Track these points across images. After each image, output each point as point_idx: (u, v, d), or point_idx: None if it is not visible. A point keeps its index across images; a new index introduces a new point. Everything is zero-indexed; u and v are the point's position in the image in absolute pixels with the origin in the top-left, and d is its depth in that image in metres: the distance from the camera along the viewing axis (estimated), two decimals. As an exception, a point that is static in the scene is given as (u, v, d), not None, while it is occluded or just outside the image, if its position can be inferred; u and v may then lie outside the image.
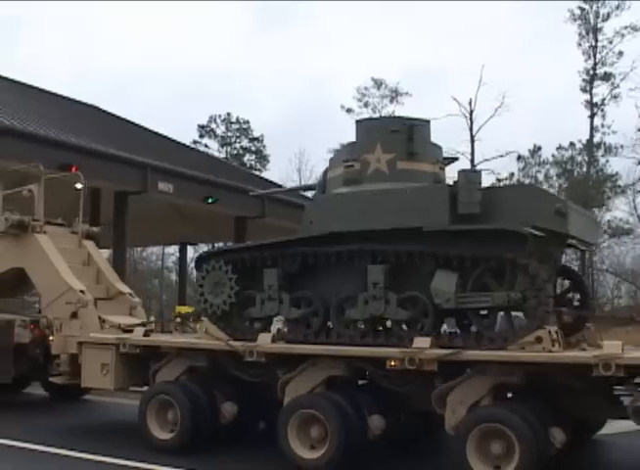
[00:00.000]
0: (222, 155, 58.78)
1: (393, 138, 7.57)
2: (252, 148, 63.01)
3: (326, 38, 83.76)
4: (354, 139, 7.94)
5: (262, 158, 62.94)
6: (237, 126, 62.31)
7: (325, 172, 8.27)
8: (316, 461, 6.78)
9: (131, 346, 8.18)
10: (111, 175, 18.61)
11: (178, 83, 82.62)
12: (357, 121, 8.14)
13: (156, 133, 27.49)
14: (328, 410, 6.76)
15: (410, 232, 6.98)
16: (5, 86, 22.75)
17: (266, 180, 33.03)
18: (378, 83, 52.62)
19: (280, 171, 72.57)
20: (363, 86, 52.58)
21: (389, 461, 7.37)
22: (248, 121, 61.50)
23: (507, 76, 66.80)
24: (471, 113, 45.06)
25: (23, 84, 24.72)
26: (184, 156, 25.42)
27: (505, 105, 43.65)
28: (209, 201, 21.08)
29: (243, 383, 7.79)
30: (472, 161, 46.14)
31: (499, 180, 53.77)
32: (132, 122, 28.10)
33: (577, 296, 7.99)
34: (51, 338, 9.19)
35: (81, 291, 9.53)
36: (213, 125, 61.50)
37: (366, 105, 52.79)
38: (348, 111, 52.85)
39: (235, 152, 61.99)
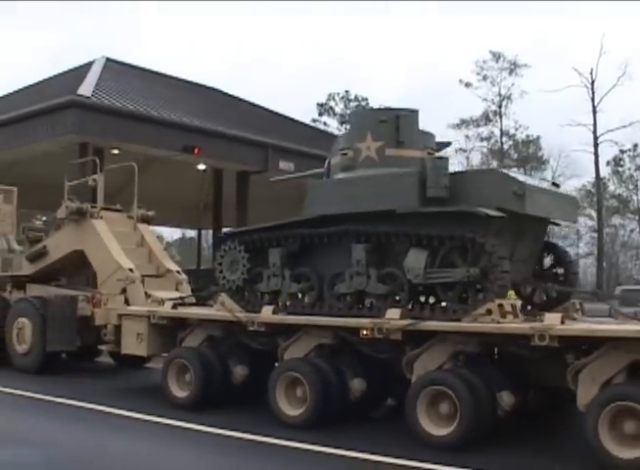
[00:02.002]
0: (341, 132, 60.19)
1: (382, 127, 8.44)
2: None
3: (443, 12, 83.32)
4: (349, 129, 8.88)
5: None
6: (356, 104, 63.60)
7: (329, 160, 9.26)
8: (444, 438, 6.91)
9: (159, 317, 9.53)
10: (233, 156, 20.14)
11: (298, 63, 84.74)
12: (351, 113, 9.09)
13: (276, 113, 28.54)
14: (459, 386, 6.87)
15: (386, 214, 7.87)
16: (130, 73, 24.35)
17: None
18: (496, 56, 52.71)
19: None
20: (482, 59, 52.71)
21: (519, 437, 7.64)
22: (366, 99, 62.76)
23: (630, 44, 64.26)
24: (592, 83, 44.29)
25: (148, 70, 26.31)
26: (304, 134, 26.22)
27: (628, 74, 42.61)
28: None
29: (254, 349, 8.94)
30: (594, 132, 45.34)
31: (622, 152, 52.56)
32: (253, 103, 29.18)
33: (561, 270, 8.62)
34: (95, 310, 10.72)
35: (130, 269, 10.99)
36: (332, 103, 63.11)
37: (485, 78, 53.07)
38: (467, 85, 53.39)
39: None
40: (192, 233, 46.04)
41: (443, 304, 7.83)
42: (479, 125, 55.19)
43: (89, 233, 11.60)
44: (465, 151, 56.34)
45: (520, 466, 6.48)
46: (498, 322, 6.99)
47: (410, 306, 7.81)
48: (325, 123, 61.14)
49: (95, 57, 24.00)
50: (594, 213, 49.46)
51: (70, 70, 24.53)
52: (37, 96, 20.54)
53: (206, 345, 9.21)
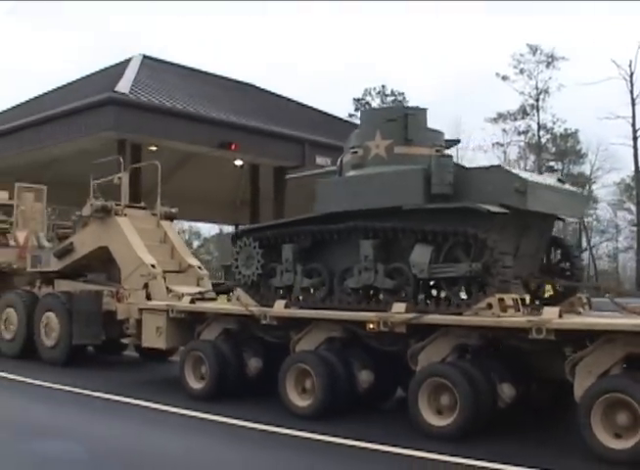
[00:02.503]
0: None
1: (391, 126, 8.70)
2: (408, 120, 64.20)
3: (478, 6, 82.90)
4: (359, 127, 9.16)
5: (417, 129, 64.03)
6: (392, 98, 63.78)
7: (341, 158, 9.55)
8: (444, 428, 7.15)
9: (178, 311, 9.93)
10: (269, 151, 20.45)
11: (334, 58, 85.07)
12: (361, 112, 9.33)
13: (312, 108, 28.70)
14: (458, 379, 7.09)
15: (393, 211, 8.14)
16: (167, 69, 24.72)
17: None
18: (533, 49, 52.38)
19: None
20: (519, 53, 52.43)
21: (522, 429, 7.80)
22: (402, 93, 62.96)
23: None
24: (631, 75, 43.87)
25: (184, 67, 26.70)
26: (341, 129, 26.53)
27: (667, 65, 42.05)
28: None
29: (269, 342, 9.28)
30: (633, 125, 44.88)
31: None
32: (289, 99, 29.31)
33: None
34: (118, 305, 11.16)
35: (152, 265, 11.41)
36: (369, 98, 63.35)
37: (522, 71, 52.85)
38: (504, 78, 53.15)
39: None
40: (229, 229, 46.67)
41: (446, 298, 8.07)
42: (516, 119, 54.84)
43: (113, 230, 12.05)
44: (502, 145, 56.09)
45: (521, 457, 6.59)
46: (498, 316, 7.21)
47: (417, 301, 8.06)
48: (362, 118, 61.27)
49: (132, 54, 24.45)
50: (633, 207, 48.88)
51: (108, 68, 25.03)
52: (75, 94, 21.07)
53: (222, 338, 9.57)
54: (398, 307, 7.85)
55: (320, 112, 28.76)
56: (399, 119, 8.68)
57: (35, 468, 6.20)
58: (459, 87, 73.65)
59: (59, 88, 26.70)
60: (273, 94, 29.42)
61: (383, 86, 63.43)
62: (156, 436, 7.66)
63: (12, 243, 14.74)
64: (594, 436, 6.28)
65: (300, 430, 7.56)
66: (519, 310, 7.43)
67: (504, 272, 7.45)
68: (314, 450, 7.06)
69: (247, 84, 29.26)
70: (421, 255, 7.90)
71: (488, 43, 77.52)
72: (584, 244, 52.10)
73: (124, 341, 11.58)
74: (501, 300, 7.31)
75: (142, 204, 13.17)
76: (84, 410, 8.94)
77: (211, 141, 19.43)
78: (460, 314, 7.47)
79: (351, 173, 8.97)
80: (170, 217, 13.11)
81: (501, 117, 54.86)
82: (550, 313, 6.94)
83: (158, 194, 12.96)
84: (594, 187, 53.71)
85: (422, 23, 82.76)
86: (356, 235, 8.47)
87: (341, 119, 32.47)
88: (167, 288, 11.22)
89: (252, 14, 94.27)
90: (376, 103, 63.73)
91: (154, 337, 10.23)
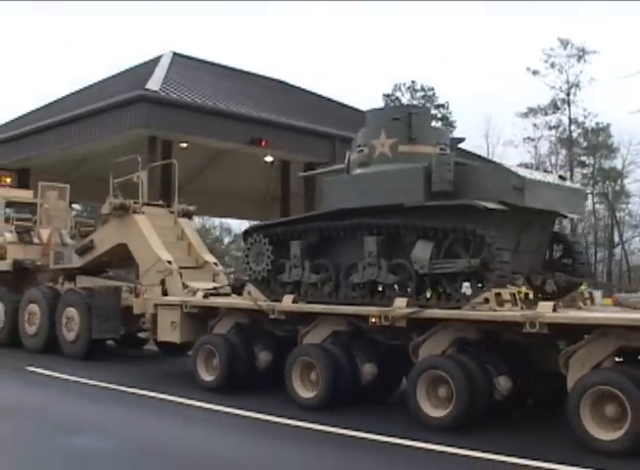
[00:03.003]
0: None
1: (395, 125, 8.99)
2: (438, 115, 64.53)
3: (509, 4, 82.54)
4: (365, 127, 9.46)
5: (449, 124, 64.30)
6: (422, 94, 63.97)
7: (348, 156, 9.84)
8: (442, 419, 7.44)
9: (191, 306, 10.32)
10: (299, 148, 20.76)
11: (361, 53, 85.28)
12: (366, 111, 9.60)
13: (342, 104, 29.02)
14: (455, 371, 7.35)
15: (395, 208, 8.43)
16: (197, 66, 25.17)
17: (453, 147, 33.87)
18: (564, 43, 52.15)
19: (467, 137, 73.00)
20: (549, 47, 52.28)
21: (517, 421, 8.06)
22: (432, 88, 63.30)
23: None
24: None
25: (214, 64, 27.20)
26: None
27: None
28: None
29: (278, 336, 9.61)
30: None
31: None
32: (319, 94, 29.74)
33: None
34: (134, 300, 11.59)
35: (169, 261, 11.81)
36: (398, 94, 63.81)
37: (552, 65, 52.69)
38: (534, 72, 53.05)
39: None
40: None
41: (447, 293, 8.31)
42: (546, 114, 54.68)
43: (131, 228, 12.48)
44: (533, 140, 55.95)
45: (515, 448, 6.78)
46: (494, 310, 7.47)
47: (419, 296, 8.34)
48: (392, 114, 61.51)
49: (162, 52, 24.93)
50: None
51: (139, 66, 25.59)
52: (107, 92, 21.55)
53: (234, 332, 9.94)
54: (400, 302, 8.14)
55: (350, 108, 28.80)
56: (403, 119, 8.97)
57: (70, 463, 6.34)
58: (489, 82, 73.37)
59: (91, 86, 27.32)
60: (303, 90, 29.70)
61: (412, 82, 63.79)
62: (188, 431, 7.72)
63: (36, 240, 15.28)
64: (582, 426, 6.52)
65: (303, 420, 7.88)
66: (516, 305, 7.68)
67: (502, 268, 7.71)
68: (314, 440, 7.37)
69: (276, 81, 29.58)
70: (422, 251, 8.18)
71: (519, 38, 77.18)
72: (617, 239, 51.77)
73: (141, 335, 11.99)
74: (498, 294, 7.57)
75: (160, 202, 13.54)
76: (114, 404, 9.15)
77: (242, 138, 19.70)
78: (459, 309, 7.75)
79: (358, 171, 9.27)
80: (188, 215, 13.49)
81: (532, 111, 54.76)
82: (544, 308, 7.19)
83: (175, 192, 13.33)
84: (626, 182, 53.35)
85: (452, 19, 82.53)
86: (361, 232, 8.78)
87: None
88: (184, 284, 11.61)
89: (280, 13, 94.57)
90: (406, 99, 63.96)
91: (168, 331, 10.63)
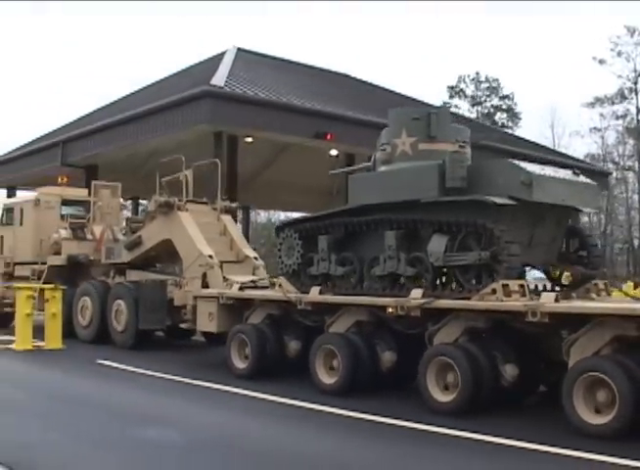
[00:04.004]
0: (473, 115, 60.99)
1: (415, 124, 9.56)
2: (503, 106, 64.46)
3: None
4: (388, 126, 10.06)
5: (514, 115, 64.27)
6: (486, 85, 63.98)
7: (374, 154, 10.46)
8: (449, 404, 8.04)
9: (227, 298, 11.12)
10: (364, 141, 20.95)
11: (424, 45, 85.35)
12: (389, 111, 10.17)
13: (406, 97, 29.42)
14: (461, 358, 7.95)
15: (413, 204, 9.01)
16: (261, 61, 25.89)
17: (519, 138, 33.92)
18: (631, 31, 51.43)
19: (532, 129, 72.73)
20: (616, 35, 51.63)
21: (524, 407, 8.61)
22: (497, 79, 63.43)
23: None
24: None
25: (278, 58, 27.92)
26: None
27: None
28: None
29: (307, 326, 10.30)
30: None
31: None
32: (383, 87, 30.17)
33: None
34: (175, 292, 12.45)
35: (210, 256, 12.65)
36: (463, 85, 64.19)
37: (619, 54, 51.96)
38: (601, 62, 52.49)
39: (486, 111, 63.95)
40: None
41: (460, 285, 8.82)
42: (613, 103, 53.84)
43: (175, 224, 13.37)
44: (599, 130, 55.19)
45: (522, 432, 7.24)
46: (501, 301, 8.00)
47: (435, 287, 8.91)
48: (456, 106, 62.01)
49: (226, 48, 25.70)
50: None
51: (203, 62, 26.46)
52: (172, 88, 22.32)
53: (266, 322, 10.68)
54: (416, 293, 8.73)
55: (414, 100, 29.10)
56: (423, 118, 9.53)
57: (142, 453, 6.57)
58: (555, 72, 72.54)
59: (155, 83, 28.34)
60: (367, 83, 30.10)
61: (477, 73, 63.90)
62: (251, 422, 8.05)
63: (89, 237, 16.38)
64: (575, 411, 7.01)
65: (324, 404, 8.54)
66: (524, 296, 8.18)
67: (510, 260, 8.22)
68: (334, 423, 7.96)
69: (340, 74, 30.10)
70: (437, 244, 8.75)
71: (585, 26, 75.99)
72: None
73: (182, 326, 12.85)
74: (505, 285, 8.08)
75: (204, 199, 14.38)
76: (176, 396, 9.51)
77: (307, 131, 20.09)
78: (468, 299, 8.30)
79: (382, 169, 9.89)
80: (230, 211, 14.31)
81: (598, 101, 54.04)
82: (546, 298, 7.68)
83: (218, 189, 14.14)
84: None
85: (517, 9, 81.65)
86: (382, 226, 9.39)
87: (435, 108, 32.60)
88: (224, 277, 12.43)
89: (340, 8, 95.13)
90: (470, 90, 64.00)
91: (207, 322, 11.45)
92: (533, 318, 7.55)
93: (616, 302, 8.16)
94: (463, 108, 62.04)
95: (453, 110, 55.33)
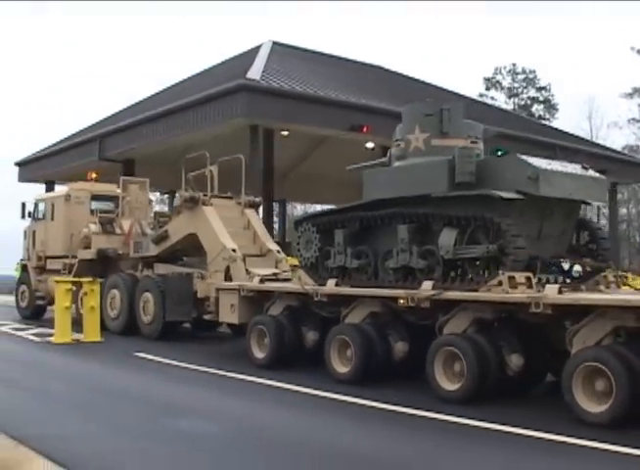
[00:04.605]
0: (509, 106, 60.88)
1: (428, 120, 9.89)
2: (540, 98, 64.16)
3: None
4: (402, 122, 10.40)
5: (551, 107, 63.95)
6: (523, 76, 63.76)
7: (390, 150, 10.80)
8: (456, 392, 8.40)
9: (247, 290, 11.57)
10: None
11: (458, 37, 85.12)
12: (403, 108, 10.50)
13: (441, 88, 29.57)
14: (466, 348, 8.30)
15: (424, 198, 9.36)
16: (296, 55, 26.16)
17: (556, 129, 33.81)
18: (671, 19, 50.91)
19: (570, 120, 72.21)
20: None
21: (529, 396, 8.92)
22: (534, 71, 63.25)
23: None
24: None
25: (313, 51, 28.22)
26: (471, 109, 26.09)
27: None
28: (499, 153, 22.12)
29: (324, 317, 10.69)
30: None
31: None
32: (418, 79, 30.34)
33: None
34: (198, 285, 12.93)
35: (233, 249, 13.12)
36: (499, 77, 64.03)
37: (659, 44, 51.46)
38: (639, 52, 51.94)
39: (522, 103, 63.77)
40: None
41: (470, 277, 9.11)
42: (652, 94, 53.41)
43: (200, 218, 13.86)
44: (638, 121, 54.72)
45: (524, 420, 7.52)
46: (507, 292, 8.30)
47: (445, 279, 9.24)
48: (492, 98, 61.90)
49: (262, 41, 25.99)
50: None
51: (239, 55, 26.83)
52: (208, 81, 22.68)
53: (285, 314, 11.11)
54: (426, 285, 9.08)
55: (449, 91, 29.24)
56: (435, 114, 9.85)
57: (178, 443, 6.71)
58: (593, 63, 71.85)
59: (191, 78, 28.75)
60: (401, 75, 30.24)
61: (513, 65, 63.62)
62: (278, 411, 8.33)
63: (118, 231, 16.98)
64: (574, 400, 7.31)
65: (337, 393, 8.94)
66: (531, 287, 8.47)
67: (516, 253, 8.51)
68: (346, 411, 8.33)
69: (375, 66, 30.23)
70: (447, 238, 9.08)
71: (623, 16, 75.10)
72: None
73: (205, 317, 13.33)
74: (512, 277, 8.38)
75: (228, 193, 14.84)
76: (207, 387, 9.80)
77: (343, 124, 20.24)
78: (476, 291, 8.62)
79: (396, 164, 10.24)
80: (254, 206, 14.76)
81: (637, 91, 53.66)
82: (550, 290, 7.97)
83: (242, 185, 14.58)
84: None
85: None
86: (395, 220, 9.74)
87: (471, 99, 32.51)
88: (247, 270, 12.88)
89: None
90: (507, 82, 63.74)
91: (228, 313, 11.91)
92: (537, 310, 7.84)
93: (620, 294, 8.40)
94: (499, 100, 62.03)
95: (489, 102, 55.29)
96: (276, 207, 33.23)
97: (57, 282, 14.70)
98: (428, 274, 9.40)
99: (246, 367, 10.88)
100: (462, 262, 9.16)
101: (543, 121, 53.14)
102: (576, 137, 32.62)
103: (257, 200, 14.93)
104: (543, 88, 63.57)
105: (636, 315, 7.28)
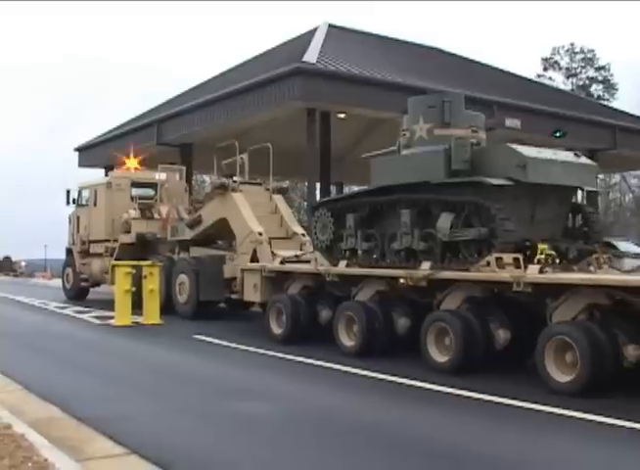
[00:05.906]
0: (567, 87, 60.68)
1: (431, 111, 10.66)
2: (599, 77, 63.64)
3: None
4: (408, 113, 11.19)
5: (610, 87, 63.33)
6: (581, 56, 63.30)
7: (399, 140, 11.60)
8: (445, 364, 9.21)
9: (268, 271, 12.55)
10: None
11: (516, 17, 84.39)
12: (408, 100, 11.27)
13: (498, 69, 29.69)
14: (455, 323, 9.10)
15: (424, 185, 10.16)
16: (352, 37, 26.48)
17: (615, 110, 33.55)
18: None
19: (630, 99, 71.06)
20: None
21: (516, 369, 9.22)
22: (593, 50, 62.91)
23: None
24: None
25: (368, 34, 28.43)
26: (529, 90, 26.56)
27: None
28: (558, 135, 22.30)
29: (337, 296, 11.60)
30: None
31: None
32: (475, 61, 30.46)
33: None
34: (223, 266, 13.97)
35: (259, 233, 14.11)
36: (557, 57, 63.86)
37: None
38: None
39: (581, 83, 63.36)
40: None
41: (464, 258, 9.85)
42: None
43: (230, 204, 14.90)
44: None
45: (508, 391, 8.18)
46: (494, 272, 9.08)
47: (443, 260, 10.04)
48: (550, 78, 61.50)
49: (317, 24, 26.35)
50: None
51: (295, 39, 27.27)
52: (265, 65, 23.06)
53: (302, 293, 12.07)
54: (425, 265, 9.91)
55: (507, 73, 29.39)
56: (437, 106, 10.61)
57: (239, 425, 6.88)
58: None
59: (249, 60, 29.17)
60: (459, 57, 30.30)
61: (571, 44, 63.03)
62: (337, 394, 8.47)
63: (156, 216, 18.14)
64: (546, 370, 8.07)
65: (345, 365, 9.80)
66: (519, 268, 9.22)
67: (505, 235, 9.27)
68: (351, 381, 9.19)
69: (432, 48, 30.33)
70: (444, 221, 9.87)
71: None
72: None
73: (232, 296, 14.35)
74: (499, 258, 9.14)
75: (257, 180, 15.82)
76: (262, 368, 10.03)
77: (399, 107, 20.00)
78: (468, 271, 9.41)
79: (403, 153, 11.05)
80: (281, 191, 15.72)
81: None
82: (532, 270, 8.73)
83: (270, 171, 15.53)
84: None
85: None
86: (399, 205, 10.58)
87: (529, 80, 32.63)
88: (272, 252, 13.86)
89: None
90: (565, 62, 63.23)
91: (252, 292, 12.93)
92: (518, 288, 8.61)
93: (606, 274, 9.01)
94: (557, 80, 61.65)
95: (547, 82, 54.98)
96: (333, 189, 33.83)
97: (116, 266, 15.04)
98: (428, 256, 10.22)
99: (296, 349, 11.09)
100: (458, 245, 9.94)
101: (602, 102, 52.67)
102: (637, 117, 32.59)
103: (284, 185, 15.88)
104: (602, 68, 62.97)
105: (606, 294, 8.00)
